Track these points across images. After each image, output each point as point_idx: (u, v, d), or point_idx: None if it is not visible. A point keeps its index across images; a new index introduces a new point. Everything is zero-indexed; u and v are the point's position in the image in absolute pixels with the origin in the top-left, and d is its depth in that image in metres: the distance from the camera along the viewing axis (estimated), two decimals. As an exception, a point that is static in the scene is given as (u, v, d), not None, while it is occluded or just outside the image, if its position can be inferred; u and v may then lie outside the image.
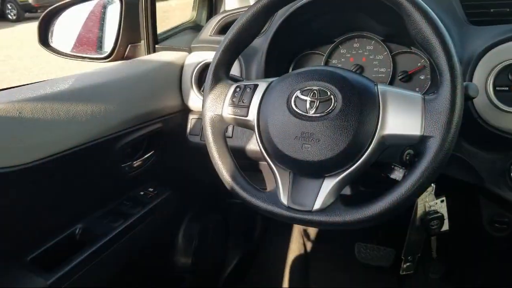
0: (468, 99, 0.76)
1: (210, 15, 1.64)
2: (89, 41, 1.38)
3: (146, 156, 1.23)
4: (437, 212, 0.98)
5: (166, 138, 1.28)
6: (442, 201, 1.01)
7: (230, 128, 1.21)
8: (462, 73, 0.73)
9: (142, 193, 1.25)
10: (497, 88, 0.91)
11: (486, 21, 1.03)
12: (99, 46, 1.38)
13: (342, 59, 1.20)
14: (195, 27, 1.61)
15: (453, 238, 1.05)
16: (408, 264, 1.08)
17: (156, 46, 1.40)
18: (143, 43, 1.38)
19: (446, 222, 1.03)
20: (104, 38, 1.37)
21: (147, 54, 1.39)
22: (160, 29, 1.44)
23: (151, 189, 1.27)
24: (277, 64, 1.19)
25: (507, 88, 0.91)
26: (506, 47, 0.92)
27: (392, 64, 1.14)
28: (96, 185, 1.10)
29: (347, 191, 1.22)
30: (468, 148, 1.02)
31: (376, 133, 0.74)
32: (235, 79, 0.92)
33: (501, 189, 0.98)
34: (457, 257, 1.53)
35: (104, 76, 1.10)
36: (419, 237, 1.04)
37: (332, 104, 0.75)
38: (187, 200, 1.49)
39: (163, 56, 1.33)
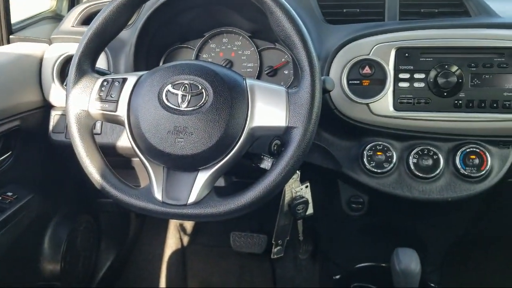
0: (326, 92, 0.83)
1: (72, 5, 1.54)
2: None
3: (2, 157, 1.12)
4: (303, 197, 1.06)
5: (26, 137, 1.17)
6: (306, 186, 1.09)
7: (98, 124, 1.16)
8: (320, 68, 0.80)
9: (-1, 198, 1.13)
10: (350, 82, 1.01)
11: (341, 20, 1.13)
12: None
13: (212, 54, 1.22)
14: (55, 17, 1.50)
15: (317, 220, 1.15)
16: (278, 248, 1.15)
17: (11, 36, 1.28)
18: (-6, 32, 1.25)
19: (310, 206, 1.11)
20: None
21: (0, 45, 1.26)
22: (15, 18, 1.31)
23: (9, 194, 1.16)
24: (147, 57, 1.17)
25: (358, 82, 1.01)
26: (357, 45, 1.02)
27: (259, 60, 1.19)
28: None
29: (221, 182, 1.25)
30: (327, 137, 1.12)
31: (246, 125, 0.77)
32: (101, 73, 0.88)
33: (356, 173, 1.09)
34: (322, 237, 1.67)
35: None
36: (288, 221, 1.12)
37: (204, 98, 0.76)
38: (53, 203, 1.38)
39: (19, 47, 1.22)
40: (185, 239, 1.91)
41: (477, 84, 0.98)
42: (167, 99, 0.77)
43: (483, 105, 0.98)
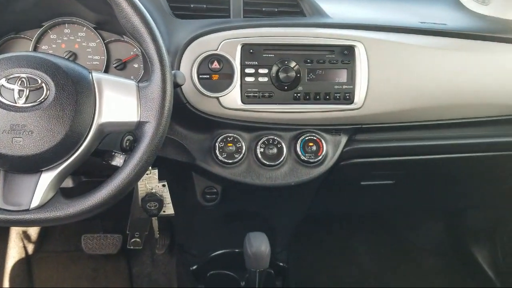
0: (177, 86, 0.84)
1: None
2: None
3: None
4: (156, 195, 1.06)
5: None
6: (163, 185, 1.09)
7: None
8: (170, 63, 0.80)
9: None
10: (200, 76, 1.04)
11: (188, 15, 1.14)
12: None
13: (53, 45, 1.13)
14: None
15: (176, 216, 1.16)
16: (134, 239, 1.13)
17: None
18: None
19: (170, 206, 1.12)
20: None
21: None
22: None
23: None
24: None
25: (208, 76, 1.04)
26: (205, 40, 1.05)
27: (105, 52, 1.14)
28: None
29: (68, 183, 1.17)
30: (180, 130, 1.13)
31: (94, 121, 0.74)
32: None
33: (209, 165, 1.12)
34: (178, 230, 1.69)
35: None
36: (144, 216, 1.10)
37: (45, 92, 0.71)
38: None
39: None
40: (30, 247, 1.74)
41: (313, 79, 1.09)
42: (1, 95, 0.70)
43: (318, 97, 1.09)
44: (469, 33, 1.21)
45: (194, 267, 1.54)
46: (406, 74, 1.12)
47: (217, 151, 1.11)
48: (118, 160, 0.84)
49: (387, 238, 1.99)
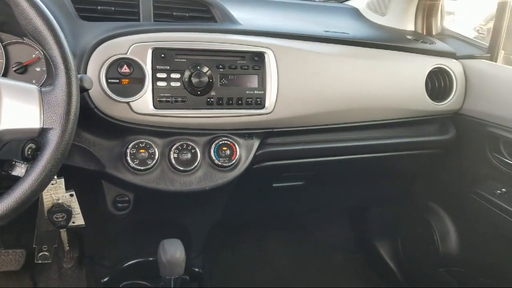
0: (84, 90, 0.81)
1: None
2: None
3: None
4: (63, 206, 1.00)
5: None
6: (71, 195, 1.04)
7: None
8: (76, 66, 0.77)
9: None
10: (110, 80, 1.00)
11: (95, 17, 1.10)
12: None
13: None
14: None
15: (86, 227, 1.10)
16: (42, 253, 1.06)
17: None
18: None
19: (80, 216, 1.06)
20: None
21: None
22: None
23: None
24: None
25: (117, 80, 1.01)
26: (114, 43, 1.02)
27: (4, 55, 1.06)
28: None
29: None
30: (88, 137, 1.08)
31: (-9, 128, 0.69)
32: None
33: (120, 172, 1.09)
34: (87, 242, 1.61)
35: None
36: (52, 228, 1.04)
37: None
38: None
39: None
40: None
41: (225, 84, 1.10)
42: None
43: (230, 102, 1.11)
44: (368, 42, 1.30)
45: (106, 279, 1.48)
46: (313, 80, 1.18)
47: (128, 158, 1.08)
48: (19, 170, 0.78)
49: (299, 237, 2.07)
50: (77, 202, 1.05)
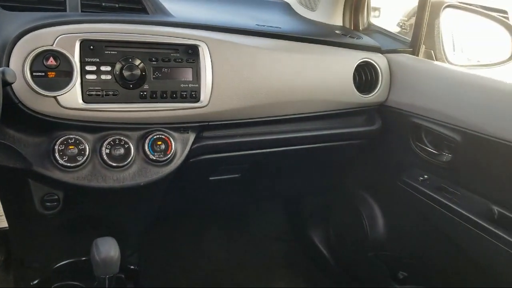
0: (6, 84, 0.77)
1: None
2: None
3: None
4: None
5: None
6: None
7: None
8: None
9: None
10: (34, 74, 0.95)
11: (18, 7, 1.04)
12: None
13: None
14: None
15: (13, 228, 1.04)
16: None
17: None
18: None
19: (3, 218, 1.00)
20: None
21: None
22: None
23: None
24: None
25: (43, 74, 0.96)
26: (38, 34, 0.97)
27: None
28: None
29: None
30: (12, 133, 1.02)
31: None
32: None
33: (48, 170, 1.04)
34: (15, 243, 1.52)
35: None
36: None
37: None
38: None
39: None
40: None
41: (159, 77, 1.08)
42: None
43: (164, 95, 1.09)
44: (300, 36, 1.34)
45: (36, 281, 1.41)
46: (247, 74, 1.19)
47: (56, 155, 1.03)
48: None
49: (237, 229, 2.09)
50: (0, 203, 0.99)
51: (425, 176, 1.35)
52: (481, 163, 1.17)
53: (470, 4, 1.67)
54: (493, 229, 1.09)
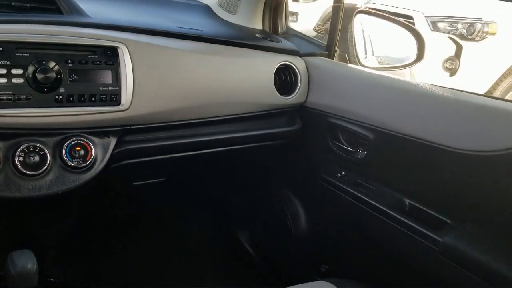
0: None
1: None
2: None
3: None
4: None
5: None
6: None
7: None
8: None
9: None
10: None
11: None
12: None
13: None
14: None
15: None
16: None
17: None
18: None
19: None
20: None
21: None
22: None
23: None
24: None
25: None
26: None
27: None
28: None
29: None
30: None
31: None
32: None
33: None
34: None
35: None
36: None
37: None
38: None
39: None
40: None
41: (76, 80, 1.04)
42: None
43: (82, 99, 1.05)
44: (221, 39, 1.35)
45: None
46: (169, 76, 1.19)
47: (-38, 164, 0.96)
48: None
49: (164, 233, 2.06)
50: None
51: (343, 173, 1.42)
52: (392, 158, 1.26)
53: (380, 10, 1.79)
54: (404, 220, 1.18)
